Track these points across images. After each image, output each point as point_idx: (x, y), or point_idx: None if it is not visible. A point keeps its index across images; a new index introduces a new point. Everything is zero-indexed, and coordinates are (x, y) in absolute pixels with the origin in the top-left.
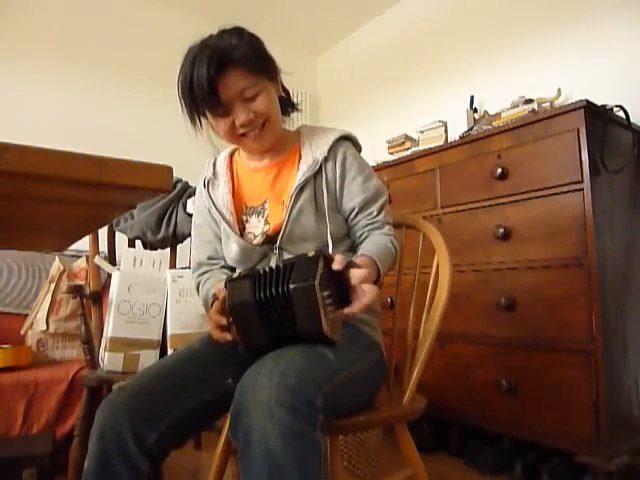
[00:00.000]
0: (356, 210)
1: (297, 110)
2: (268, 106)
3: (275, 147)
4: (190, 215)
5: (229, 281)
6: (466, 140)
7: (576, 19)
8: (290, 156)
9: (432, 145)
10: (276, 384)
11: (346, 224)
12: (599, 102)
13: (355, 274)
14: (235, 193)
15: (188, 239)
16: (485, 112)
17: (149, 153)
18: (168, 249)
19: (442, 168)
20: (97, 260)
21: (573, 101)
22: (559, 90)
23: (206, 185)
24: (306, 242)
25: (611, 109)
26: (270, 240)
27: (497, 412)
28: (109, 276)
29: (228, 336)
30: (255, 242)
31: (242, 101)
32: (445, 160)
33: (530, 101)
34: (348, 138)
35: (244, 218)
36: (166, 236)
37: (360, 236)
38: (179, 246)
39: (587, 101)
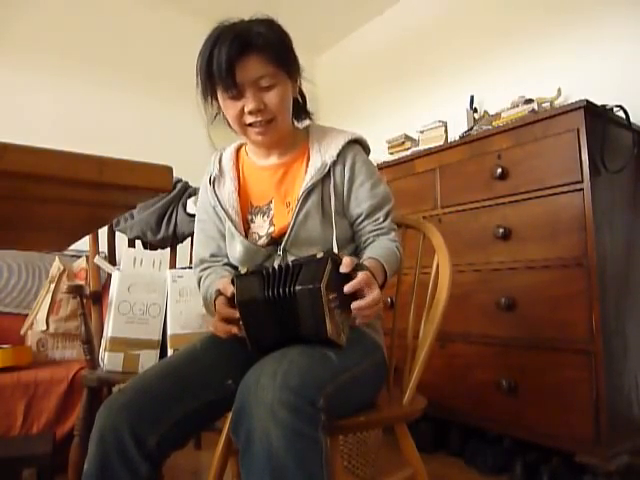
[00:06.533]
0: (363, 216)
1: (310, 119)
2: (280, 102)
3: (282, 144)
4: (190, 215)
5: (237, 277)
6: (466, 140)
7: (576, 19)
8: (298, 156)
9: (432, 145)
10: (278, 384)
11: (351, 229)
12: (599, 102)
13: (360, 277)
14: (241, 191)
15: (188, 239)
16: (485, 112)
17: (149, 153)
18: (168, 249)
19: (442, 168)
20: (97, 260)
21: (573, 101)
22: (559, 90)
23: (211, 182)
24: (311, 246)
25: (611, 109)
26: (274, 241)
27: (497, 412)
28: (109, 276)
29: (234, 329)
30: (260, 243)
31: (256, 89)
32: (445, 160)
33: (530, 101)
34: (358, 141)
35: (249, 217)
36: (166, 236)
37: (365, 241)
38: (179, 246)
39: (587, 101)
